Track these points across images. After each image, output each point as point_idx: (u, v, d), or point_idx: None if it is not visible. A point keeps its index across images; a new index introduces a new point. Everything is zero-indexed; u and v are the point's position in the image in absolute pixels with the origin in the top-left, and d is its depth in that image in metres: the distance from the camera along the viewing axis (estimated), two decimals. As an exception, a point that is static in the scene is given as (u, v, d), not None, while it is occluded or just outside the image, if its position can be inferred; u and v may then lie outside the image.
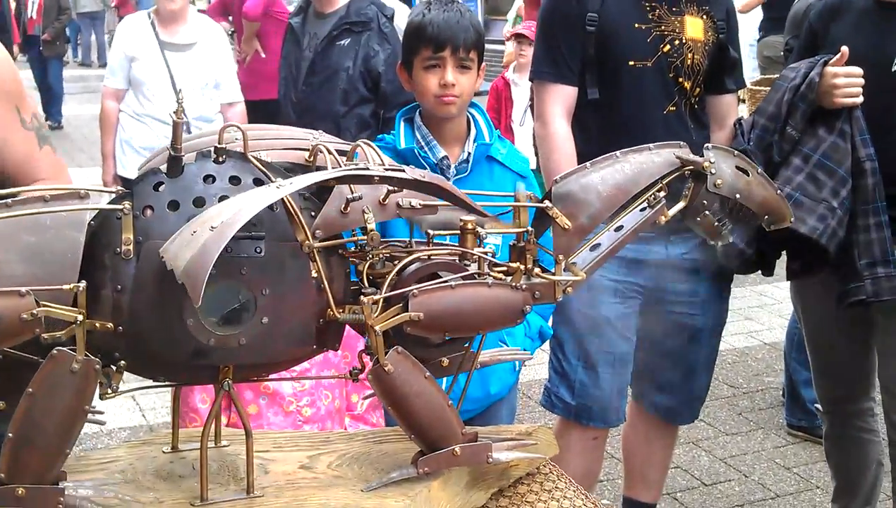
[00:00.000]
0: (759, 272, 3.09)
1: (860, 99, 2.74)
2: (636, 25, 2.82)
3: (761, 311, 5.90)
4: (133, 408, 4.54)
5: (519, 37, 5.76)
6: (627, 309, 2.97)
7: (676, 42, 2.84)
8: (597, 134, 2.85)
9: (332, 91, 4.26)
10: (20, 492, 1.15)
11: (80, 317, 1.12)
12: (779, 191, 1.50)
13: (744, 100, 3.91)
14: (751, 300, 5.91)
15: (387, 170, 1.22)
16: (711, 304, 3.06)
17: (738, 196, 1.45)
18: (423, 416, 1.27)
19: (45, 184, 1.93)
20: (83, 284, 1.13)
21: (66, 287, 1.12)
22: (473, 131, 2.65)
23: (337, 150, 1.28)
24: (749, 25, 7.05)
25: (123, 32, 4.81)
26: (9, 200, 1.18)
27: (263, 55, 5.87)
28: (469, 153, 2.59)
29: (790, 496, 3.96)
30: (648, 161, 1.40)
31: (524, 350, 2.63)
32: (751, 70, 6.63)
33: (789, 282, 3.15)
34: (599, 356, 2.97)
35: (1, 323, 1.09)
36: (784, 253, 3.01)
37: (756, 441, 4.43)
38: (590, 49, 2.88)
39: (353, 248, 1.30)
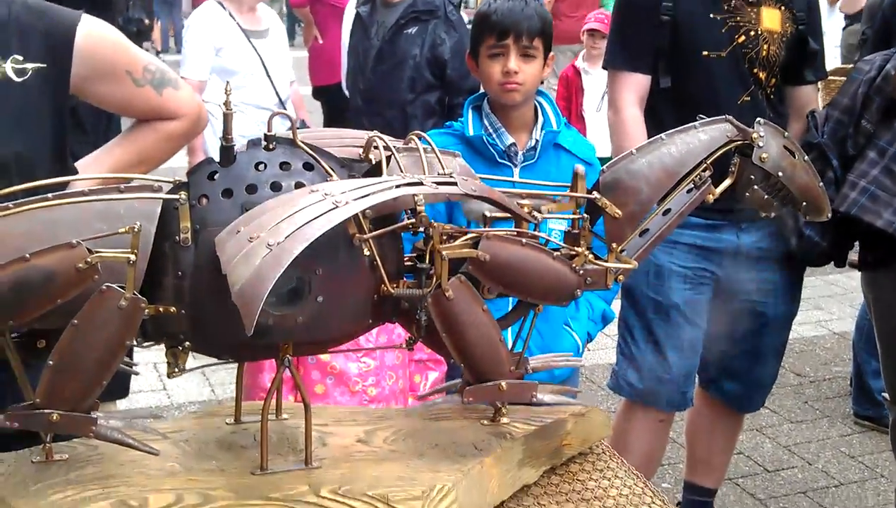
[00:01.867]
0: (832, 263, 3.08)
1: None
2: (711, 16, 2.83)
3: (831, 300, 5.83)
4: (203, 383, 4.65)
5: (591, 31, 5.82)
6: (698, 295, 2.99)
7: (752, 33, 2.84)
8: (670, 124, 2.85)
9: (400, 79, 4.32)
10: (54, 418, 1.21)
11: (133, 257, 1.17)
12: (821, 184, 1.51)
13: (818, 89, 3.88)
14: (821, 289, 5.84)
15: (439, 182, 1.25)
16: (783, 293, 3.07)
17: (780, 174, 1.46)
18: (475, 347, 1.32)
19: (181, 121, 2.10)
20: (138, 224, 1.18)
21: (121, 230, 1.18)
22: (541, 119, 2.67)
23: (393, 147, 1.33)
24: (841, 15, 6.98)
25: (201, 23, 4.85)
26: (86, 189, 1.24)
27: (321, 41, 5.96)
28: (536, 140, 2.61)
29: (854, 484, 3.93)
30: (694, 140, 1.41)
31: (589, 335, 2.69)
32: (835, 58, 6.55)
33: (861, 273, 3.13)
34: (668, 341, 2.99)
35: (58, 276, 1.15)
36: (857, 243, 2.99)
37: (821, 429, 4.40)
38: (663, 38, 2.89)
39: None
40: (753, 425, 4.35)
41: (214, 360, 1.33)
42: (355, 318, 1.29)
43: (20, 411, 1.22)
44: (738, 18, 2.84)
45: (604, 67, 3.08)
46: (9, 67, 1.88)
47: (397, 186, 1.23)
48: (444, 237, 1.28)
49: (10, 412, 1.22)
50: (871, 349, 4.34)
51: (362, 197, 1.18)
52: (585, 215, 1.36)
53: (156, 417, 1.36)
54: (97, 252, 1.16)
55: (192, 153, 4.77)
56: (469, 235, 1.30)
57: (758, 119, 1.47)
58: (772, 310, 3.05)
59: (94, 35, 1.99)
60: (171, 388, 4.54)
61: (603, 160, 5.15)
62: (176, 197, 1.22)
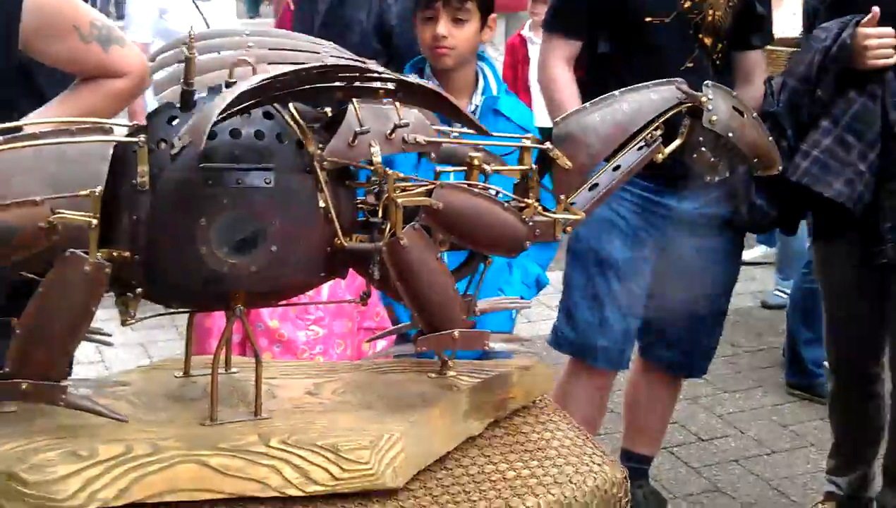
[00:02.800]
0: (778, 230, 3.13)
1: (893, 60, 2.72)
2: None
3: (765, 272, 5.94)
4: (142, 355, 4.62)
5: None
6: (638, 255, 3.02)
7: None
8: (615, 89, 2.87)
9: (345, 45, 4.29)
10: (25, 387, 1.20)
11: (94, 221, 1.16)
12: (770, 139, 1.54)
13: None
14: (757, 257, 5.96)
15: (395, 78, 1.24)
16: (723, 260, 3.11)
17: (731, 134, 1.49)
18: (429, 295, 1.33)
19: (127, 79, 2.11)
20: (99, 189, 1.17)
21: (82, 192, 1.16)
22: (481, 84, 2.68)
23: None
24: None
25: None
26: (37, 130, 1.23)
27: (292, 7, 5.92)
28: (476, 105, 2.62)
29: (785, 452, 4.03)
30: (646, 99, 1.44)
31: (522, 298, 2.69)
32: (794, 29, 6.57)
33: (812, 242, 3.19)
34: (606, 297, 3.02)
35: (19, 231, 1.14)
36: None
37: (754, 399, 4.50)
38: (604, 4, 2.91)
39: (361, 181, 1.35)
40: (688, 395, 4.43)
41: (163, 310, 1.33)
42: (308, 270, 1.30)
43: None
44: None
45: (542, 26, 3.11)
46: None
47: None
48: (398, 188, 1.29)
49: None
50: (804, 320, 4.44)
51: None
52: (534, 166, 1.38)
53: (124, 384, 1.35)
54: (59, 212, 1.15)
55: (133, 116, 4.72)
56: (423, 185, 1.31)
57: (706, 81, 1.49)
58: (711, 277, 3.08)
59: None
60: (109, 360, 4.49)
61: (543, 130, 5.23)
62: (135, 140, 1.21)
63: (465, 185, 1.33)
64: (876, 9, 2.68)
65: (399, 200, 1.26)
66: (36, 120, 1.88)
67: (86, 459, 1.17)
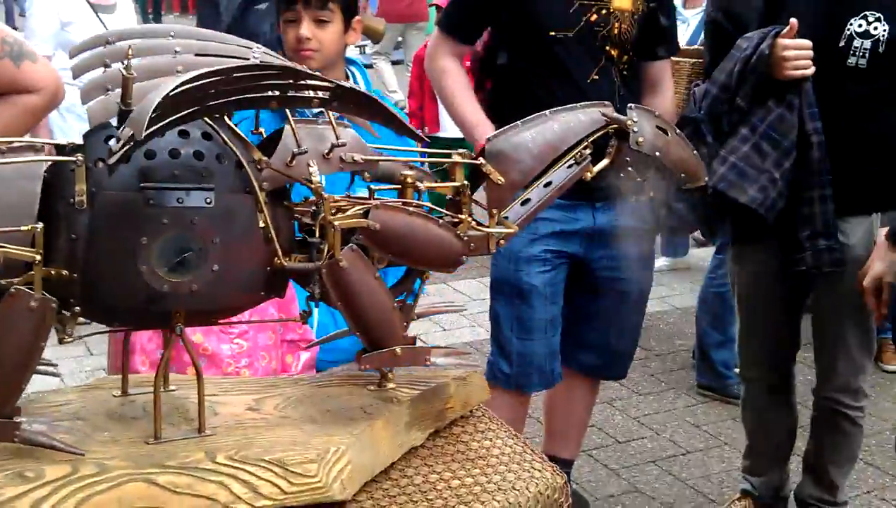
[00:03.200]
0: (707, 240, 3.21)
1: (810, 71, 2.79)
2: None
3: (672, 277, 6.08)
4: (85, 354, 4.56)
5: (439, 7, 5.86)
6: (557, 275, 3.10)
7: (603, 11, 2.92)
8: (527, 100, 2.87)
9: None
10: None
11: (38, 257, 1.16)
12: (694, 152, 1.60)
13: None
14: (662, 266, 6.09)
15: (334, 83, 1.25)
16: (638, 268, 3.20)
17: (657, 153, 1.54)
18: (370, 314, 1.35)
19: (40, 94, 2.10)
20: (40, 225, 1.16)
21: (23, 228, 1.16)
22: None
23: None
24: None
25: None
26: (-35, 152, 1.21)
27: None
28: None
29: (700, 452, 4.14)
30: (576, 120, 1.48)
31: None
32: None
33: (730, 246, 3.27)
34: (532, 323, 3.09)
35: None
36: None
37: (668, 400, 4.61)
38: (503, 16, 2.97)
39: (298, 202, 1.36)
40: (604, 398, 4.53)
41: (104, 328, 1.32)
42: (249, 289, 1.31)
43: None
44: None
45: (436, 23, 3.17)
46: None
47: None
48: (334, 210, 1.31)
49: None
50: (712, 322, 4.57)
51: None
52: (466, 183, 1.41)
53: (80, 419, 1.33)
54: (3, 247, 1.14)
55: (38, 131, 4.63)
56: (358, 206, 1.33)
57: (630, 105, 1.55)
58: (628, 285, 3.19)
59: None
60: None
61: (453, 141, 5.41)
62: (72, 158, 1.20)
63: (401, 204, 1.36)
64: (794, 21, 2.76)
65: (336, 223, 1.28)
66: None
67: (33, 480, 1.16)
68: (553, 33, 2.91)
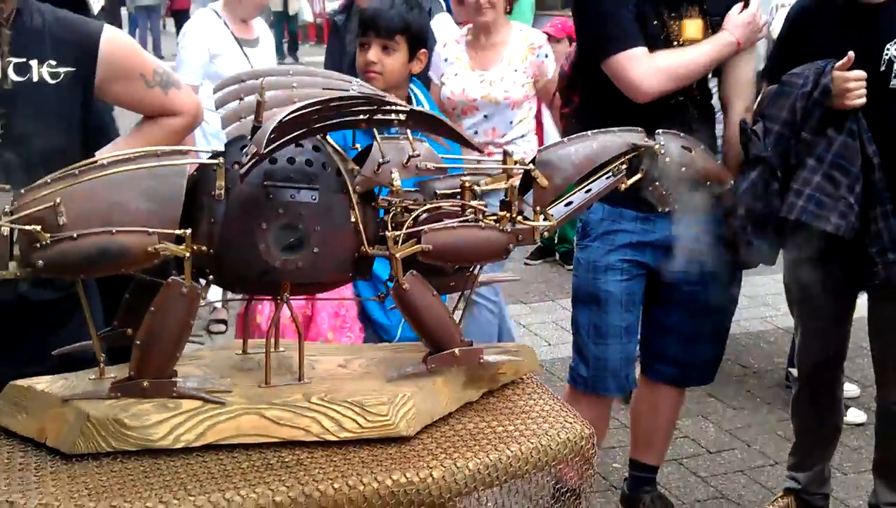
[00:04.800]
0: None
1: (864, 99, 3.00)
2: (654, 22, 3.17)
3: (778, 298, 6.21)
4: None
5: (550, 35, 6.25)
6: (634, 284, 3.33)
7: (675, 43, 3.19)
8: (610, 117, 3.16)
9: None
10: (145, 385, 1.57)
11: (188, 254, 1.54)
12: (719, 162, 1.91)
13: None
14: (769, 287, 6.24)
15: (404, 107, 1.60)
16: (716, 282, 3.35)
17: (683, 169, 1.86)
18: (430, 324, 1.69)
19: (183, 117, 2.46)
20: (189, 230, 1.54)
21: (178, 232, 1.54)
22: (415, 104, 3.07)
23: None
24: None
25: (198, 30, 5.17)
26: (132, 155, 1.59)
27: None
28: None
29: (786, 463, 4.31)
30: (612, 140, 1.82)
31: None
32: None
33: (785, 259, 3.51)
34: (608, 329, 3.34)
35: (131, 253, 1.51)
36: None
37: (761, 415, 4.78)
38: None
39: (383, 198, 1.72)
40: (699, 411, 4.75)
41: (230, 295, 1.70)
42: (341, 269, 1.67)
43: (121, 383, 1.58)
44: (666, 31, 3.18)
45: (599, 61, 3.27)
46: (45, 71, 2.20)
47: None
48: (401, 214, 1.66)
49: (114, 383, 1.58)
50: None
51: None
52: (515, 185, 1.75)
53: (210, 369, 1.70)
54: (165, 244, 1.52)
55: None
56: (421, 209, 1.68)
57: (657, 130, 1.86)
58: (705, 298, 3.37)
59: (114, 42, 2.32)
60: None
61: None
62: (215, 162, 1.58)
63: (445, 223, 1.68)
64: (851, 53, 2.97)
65: (397, 254, 1.63)
66: (115, 152, 2.25)
67: (172, 410, 1.55)
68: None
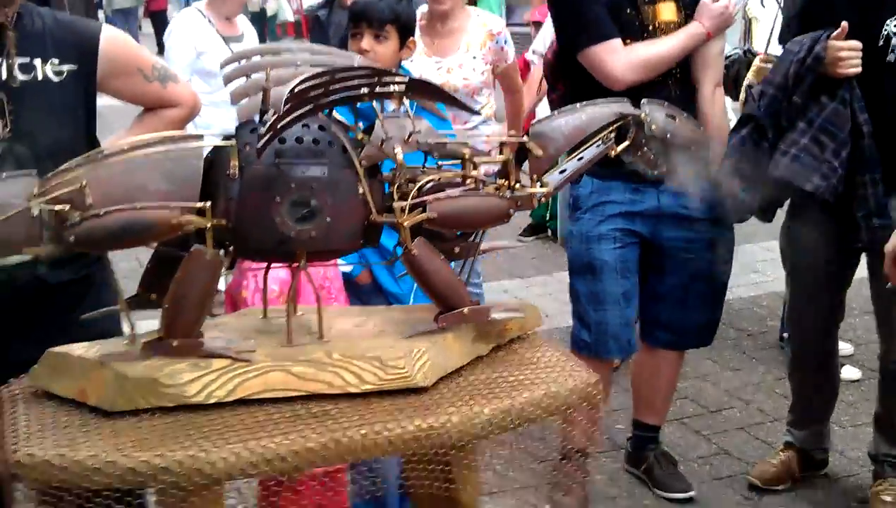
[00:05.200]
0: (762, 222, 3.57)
1: (859, 69, 3.15)
2: (627, 11, 3.36)
3: (767, 264, 6.37)
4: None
5: (536, 24, 6.39)
6: (627, 252, 3.49)
7: (650, 27, 3.37)
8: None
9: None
10: (174, 344, 1.69)
11: (209, 224, 1.66)
12: (701, 128, 2.03)
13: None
14: (758, 254, 6.40)
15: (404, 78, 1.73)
16: (707, 248, 3.52)
17: (668, 135, 1.98)
18: (440, 286, 1.81)
19: (181, 109, 2.60)
20: (209, 203, 1.66)
21: (198, 205, 1.66)
22: None
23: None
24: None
25: (183, 29, 5.32)
26: (148, 140, 1.71)
27: None
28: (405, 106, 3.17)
29: (784, 419, 4.43)
30: (599, 111, 1.95)
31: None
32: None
33: (784, 226, 3.63)
34: (605, 295, 3.49)
35: (156, 226, 1.63)
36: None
37: (757, 374, 4.93)
38: None
39: (387, 173, 1.84)
40: (697, 373, 4.89)
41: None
42: (352, 238, 1.78)
43: (152, 342, 1.70)
44: (641, 16, 3.36)
45: (575, 51, 3.44)
46: (49, 69, 2.33)
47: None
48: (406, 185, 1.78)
49: (145, 343, 1.70)
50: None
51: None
52: (511, 156, 1.86)
53: (235, 332, 1.82)
54: (187, 218, 1.64)
55: None
56: (427, 177, 1.80)
57: (643, 99, 1.99)
58: (696, 264, 3.53)
59: (113, 40, 2.45)
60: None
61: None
62: (229, 143, 1.70)
63: (448, 193, 1.80)
64: (845, 23, 3.12)
65: (405, 222, 1.75)
66: (127, 139, 2.35)
67: (203, 368, 1.67)
68: (628, 41, 3.34)
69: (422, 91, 1.78)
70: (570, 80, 3.51)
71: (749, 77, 4.27)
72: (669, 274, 3.58)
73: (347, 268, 3.02)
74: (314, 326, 1.82)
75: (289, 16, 16.59)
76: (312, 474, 2.56)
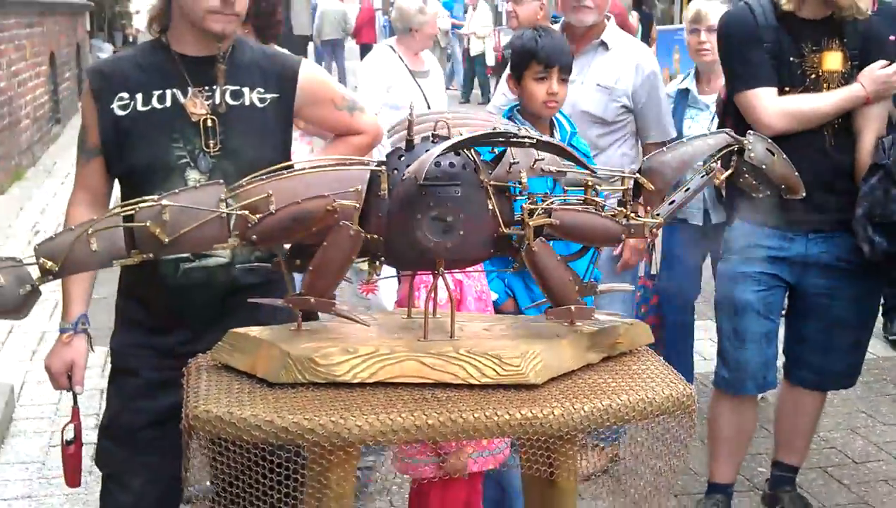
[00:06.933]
0: None
1: None
2: (791, 59, 3.47)
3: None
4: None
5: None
6: (771, 296, 3.64)
7: (813, 76, 3.47)
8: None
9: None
10: (312, 301, 2.02)
11: (357, 205, 1.96)
12: (795, 173, 2.22)
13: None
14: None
15: (537, 137, 2.02)
16: (852, 298, 3.64)
17: (764, 166, 2.19)
18: (553, 282, 2.06)
19: (365, 136, 2.93)
20: (361, 186, 1.97)
21: (351, 189, 1.96)
22: (557, 127, 3.46)
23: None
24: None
25: (375, 64, 5.74)
26: (325, 162, 2.06)
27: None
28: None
29: (936, 475, 4.43)
30: (702, 143, 2.18)
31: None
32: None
33: None
34: (746, 334, 3.65)
35: (315, 213, 1.94)
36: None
37: (911, 430, 4.91)
38: None
39: (516, 193, 2.11)
40: (849, 425, 4.91)
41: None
42: (483, 248, 2.07)
43: (295, 298, 2.04)
44: (805, 65, 3.47)
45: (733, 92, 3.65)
46: (255, 96, 2.71)
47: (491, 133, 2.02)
48: (531, 208, 2.06)
49: (290, 298, 2.05)
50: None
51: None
52: (629, 189, 2.12)
53: (381, 327, 2.15)
54: (339, 202, 1.97)
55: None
56: (549, 201, 2.07)
57: (749, 131, 2.21)
58: (839, 312, 3.64)
59: (310, 74, 2.82)
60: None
61: None
62: (379, 169, 2.02)
63: (571, 206, 2.07)
64: None
65: (531, 222, 2.03)
66: (309, 160, 2.71)
67: (351, 353, 1.99)
68: (787, 89, 3.50)
69: (547, 148, 2.07)
70: (732, 118, 3.67)
71: None
72: (813, 319, 3.70)
73: (494, 297, 3.32)
74: (449, 327, 2.12)
75: (490, 61, 17.51)
76: (458, 478, 2.88)
